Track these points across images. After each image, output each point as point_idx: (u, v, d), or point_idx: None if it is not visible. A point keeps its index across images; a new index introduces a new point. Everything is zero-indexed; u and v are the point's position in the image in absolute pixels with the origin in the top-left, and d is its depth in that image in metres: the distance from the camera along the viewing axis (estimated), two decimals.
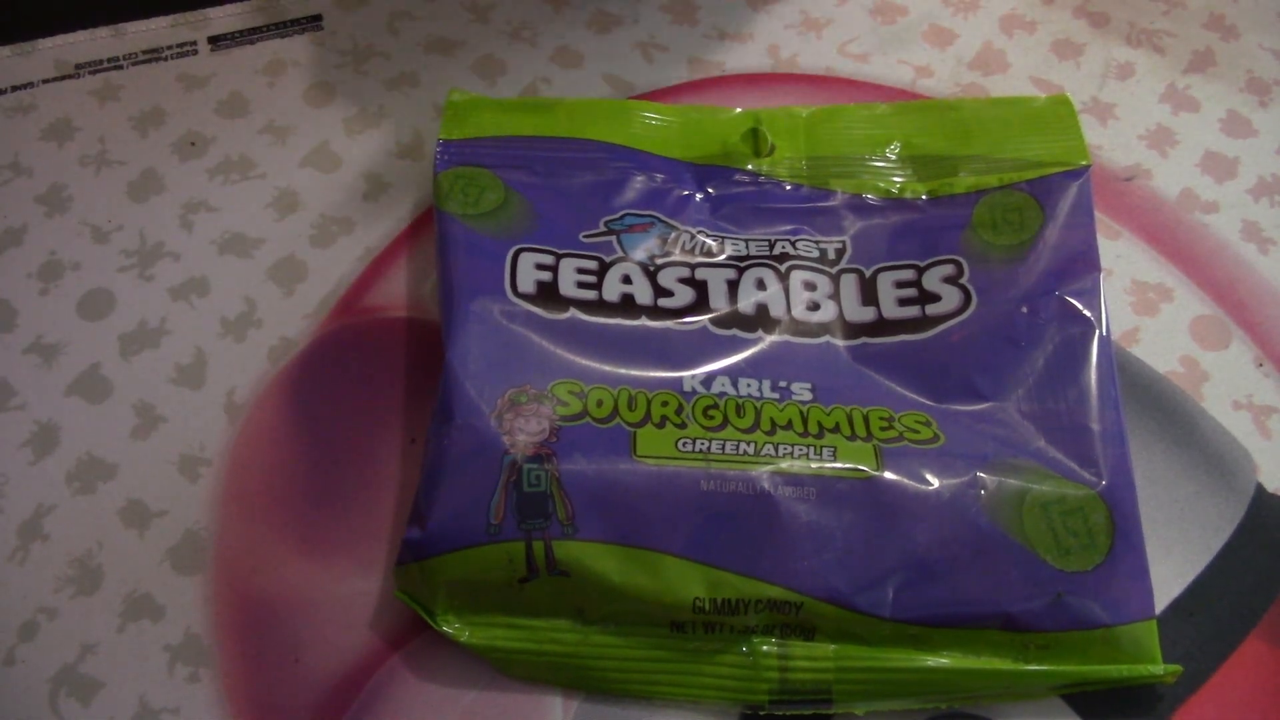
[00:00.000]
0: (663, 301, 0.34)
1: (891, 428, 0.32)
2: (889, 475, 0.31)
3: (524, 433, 0.31)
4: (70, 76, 0.42)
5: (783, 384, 0.33)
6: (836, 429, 0.32)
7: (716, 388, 0.33)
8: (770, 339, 0.34)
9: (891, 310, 0.34)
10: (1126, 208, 0.39)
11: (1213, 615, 0.32)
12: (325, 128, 0.41)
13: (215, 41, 0.43)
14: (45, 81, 0.42)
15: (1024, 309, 0.34)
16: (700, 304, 0.34)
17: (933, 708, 0.31)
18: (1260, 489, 0.34)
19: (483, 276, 0.34)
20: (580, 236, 0.35)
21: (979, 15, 0.43)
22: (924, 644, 0.30)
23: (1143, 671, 0.30)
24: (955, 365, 0.33)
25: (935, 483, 0.31)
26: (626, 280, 0.35)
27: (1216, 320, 0.36)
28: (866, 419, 0.32)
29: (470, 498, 0.31)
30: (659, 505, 0.30)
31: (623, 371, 0.33)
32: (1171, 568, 0.32)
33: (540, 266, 0.35)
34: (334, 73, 0.42)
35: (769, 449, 0.31)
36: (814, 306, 0.35)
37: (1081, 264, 0.34)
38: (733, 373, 0.33)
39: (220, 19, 0.44)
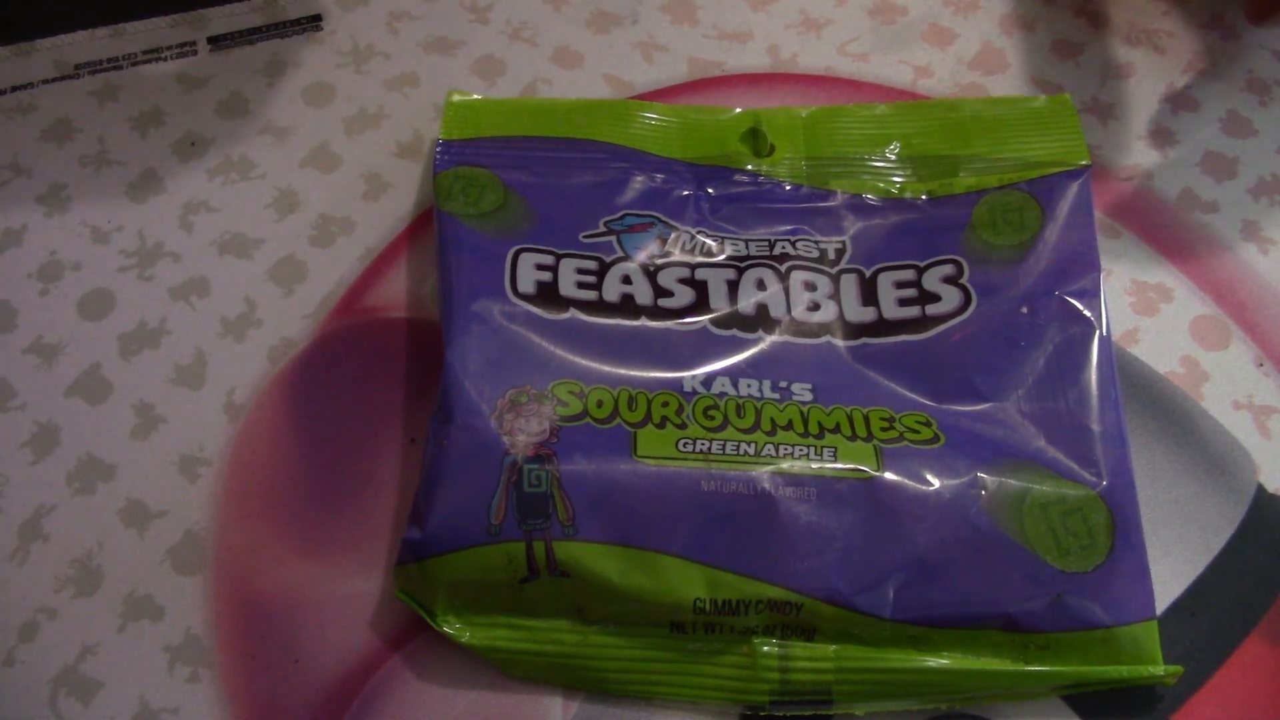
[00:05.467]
0: (663, 302, 0.34)
1: (892, 428, 0.32)
2: (889, 476, 0.31)
3: (524, 433, 0.31)
4: (70, 76, 0.42)
5: (783, 384, 0.33)
6: (837, 429, 0.32)
7: (717, 388, 0.33)
8: (770, 339, 0.34)
9: (891, 310, 0.34)
10: (1126, 208, 0.39)
11: (1213, 615, 0.32)
12: (325, 128, 0.41)
13: (215, 41, 0.43)
14: (45, 81, 0.42)
15: (1024, 309, 0.34)
16: (700, 304, 0.34)
17: (933, 708, 0.31)
18: (1260, 489, 0.34)
19: (483, 277, 0.34)
20: (580, 237, 0.35)
21: (979, 15, 0.43)
22: (924, 644, 0.30)
23: (1143, 672, 0.30)
24: (955, 365, 0.33)
25: (935, 483, 0.31)
26: (626, 280, 0.35)
27: (1216, 320, 0.36)
28: (867, 419, 0.32)
29: (470, 498, 0.31)
30: (659, 505, 0.30)
31: (623, 372, 0.33)
32: (1171, 568, 0.32)
33: (540, 267, 0.35)
34: (334, 73, 0.42)
35: (769, 449, 0.31)
36: (814, 307, 0.35)
37: (1081, 264, 0.34)
38: (733, 373, 0.33)
39: (220, 19, 0.44)
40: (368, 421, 0.35)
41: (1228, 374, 0.35)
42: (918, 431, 0.32)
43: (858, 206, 0.36)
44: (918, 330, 0.34)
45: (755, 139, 0.38)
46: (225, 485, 0.35)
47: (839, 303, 0.35)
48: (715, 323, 0.34)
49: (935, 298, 0.34)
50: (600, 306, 0.34)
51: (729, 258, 0.35)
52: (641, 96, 0.41)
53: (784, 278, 0.35)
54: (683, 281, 0.35)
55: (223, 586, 0.33)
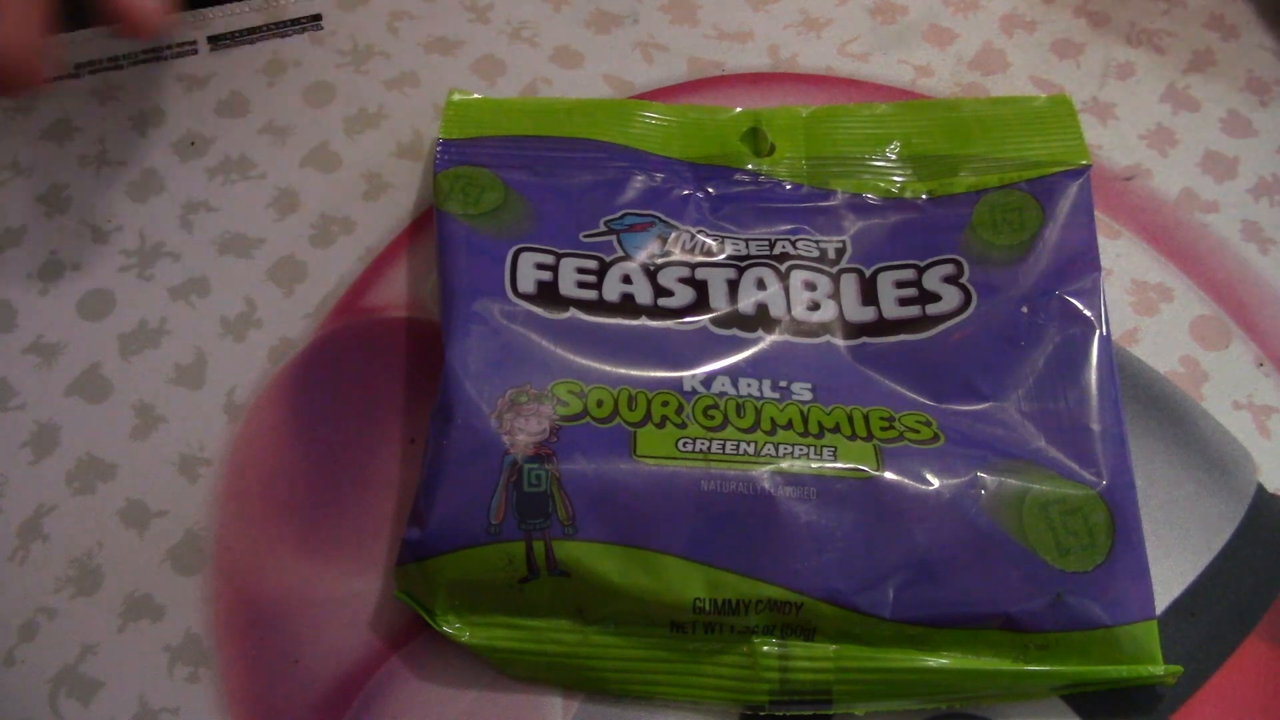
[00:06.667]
0: (663, 301, 0.34)
1: (892, 428, 0.32)
2: (889, 475, 0.31)
3: (524, 433, 0.31)
4: (70, 76, 0.42)
5: (783, 384, 0.33)
6: (837, 429, 0.32)
7: (717, 387, 0.33)
8: (770, 339, 0.34)
9: (892, 310, 0.34)
10: (1126, 208, 0.39)
11: (1213, 615, 0.32)
12: (325, 128, 0.41)
13: (215, 41, 0.43)
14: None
15: (1024, 309, 0.34)
16: (700, 304, 0.34)
17: (933, 708, 0.31)
18: (1260, 489, 0.34)
19: (483, 276, 0.34)
20: (580, 236, 0.35)
21: (979, 15, 0.43)
22: (924, 644, 0.30)
23: (1143, 672, 0.30)
24: (955, 365, 0.33)
25: (935, 483, 0.31)
26: (626, 280, 0.35)
27: (1216, 320, 0.36)
28: (867, 419, 0.32)
29: (470, 498, 0.31)
30: (659, 505, 0.30)
31: (623, 371, 0.33)
32: (1171, 568, 0.32)
33: (540, 266, 0.35)
34: (334, 73, 0.42)
35: (769, 449, 0.31)
36: (814, 306, 0.35)
37: (1081, 264, 0.34)
38: (733, 372, 0.33)
39: (220, 19, 0.44)
40: (368, 421, 0.35)
41: (1228, 374, 0.35)
42: (917, 431, 0.32)
43: (858, 206, 0.36)
44: (918, 330, 0.34)
45: (755, 138, 0.38)
46: (225, 485, 0.35)
47: (839, 302, 0.35)
48: (715, 322, 0.34)
49: (935, 297, 0.34)
50: (600, 306, 0.34)
51: (729, 257, 0.35)
52: (641, 96, 0.41)
53: (784, 277, 0.35)
54: (683, 281, 0.35)
55: (223, 586, 0.33)
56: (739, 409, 0.32)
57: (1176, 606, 0.32)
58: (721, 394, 0.33)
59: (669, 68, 0.42)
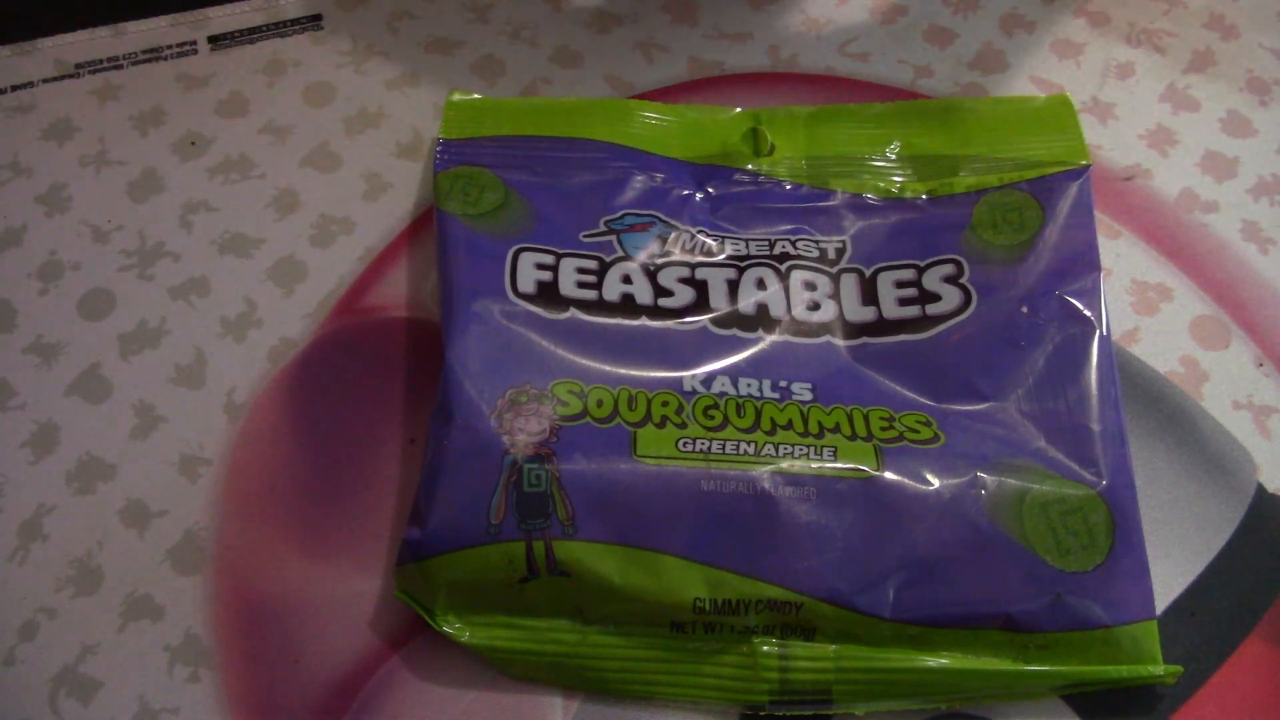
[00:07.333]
0: (663, 301, 0.34)
1: (892, 428, 0.32)
2: (889, 475, 0.31)
3: (524, 433, 0.31)
4: (70, 76, 0.42)
5: (783, 384, 0.33)
6: (837, 429, 0.32)
7: (717, 387, 0.33)
8: (770, 339, 0.34)
9: (892, 310, 0.34)
10: (1126, 208, 0.39)
11: (1213, 615, 0.32)
12: (325, 128, 0.41)
13: (215, 41, 0.43)
14: (45, 81, 0.42)
15: (1024, 309, 0.34)
16: (700, 304, 0.34)
17: (933, 708, 0.31)
18: (1260, 489, 0.34)
19: (483, 276, 0.34)
20: (580, 236, 0.35)
21: (979, 15, 0.43)
22: (924, 644, 0.30)
23: (1143, 672, 0.30)
24: (955, 365, 0.33)
25: (935, 483, 0.31)
26: (626, 280, 0.35)
27: (1216, 320, 0.36)
28: (867, 419, 0.32)
29: (470, 498, 0.31)
30: (659, 505, 0.30)
31: (623, 371, 0.33)
32: (1171, 568, 0.32)
33: (540, 266, 0.35)
34: (334, 73, 0.42)
35: (769, 449, 0.31)
36: (814, 306, 0.35)
37: (1081, 264, 0.34)
38: (733, 372, 0.33)
39: (220, 19, 0.44)
40: (368, 421, 0.35)
41: (1228, 374, 0.35)
42: (917, 431, 0.32)
43: (858, 206, 0.36)
44: (918, 330, 0.34)
45: (755, 138, 0.38)
46: (225, 485, 0.35)
47: (839, 302, 0.35)
48: (715, 322, 0.34)
49: (935, 297, 0.34)
50: (600, 306, 0.34)
51: (729, 257, 0.35)
52: (641, 96, 0.41)
53: (784, 277, 0.35)
54: (683, 281, 0.35)
55: (223, 586, 0.33)
56: (739, 409, 0.32)
57: (1176, 606, 0.32)
58: (721, 394, 0.33)
59: (669, 68, 0.42)
